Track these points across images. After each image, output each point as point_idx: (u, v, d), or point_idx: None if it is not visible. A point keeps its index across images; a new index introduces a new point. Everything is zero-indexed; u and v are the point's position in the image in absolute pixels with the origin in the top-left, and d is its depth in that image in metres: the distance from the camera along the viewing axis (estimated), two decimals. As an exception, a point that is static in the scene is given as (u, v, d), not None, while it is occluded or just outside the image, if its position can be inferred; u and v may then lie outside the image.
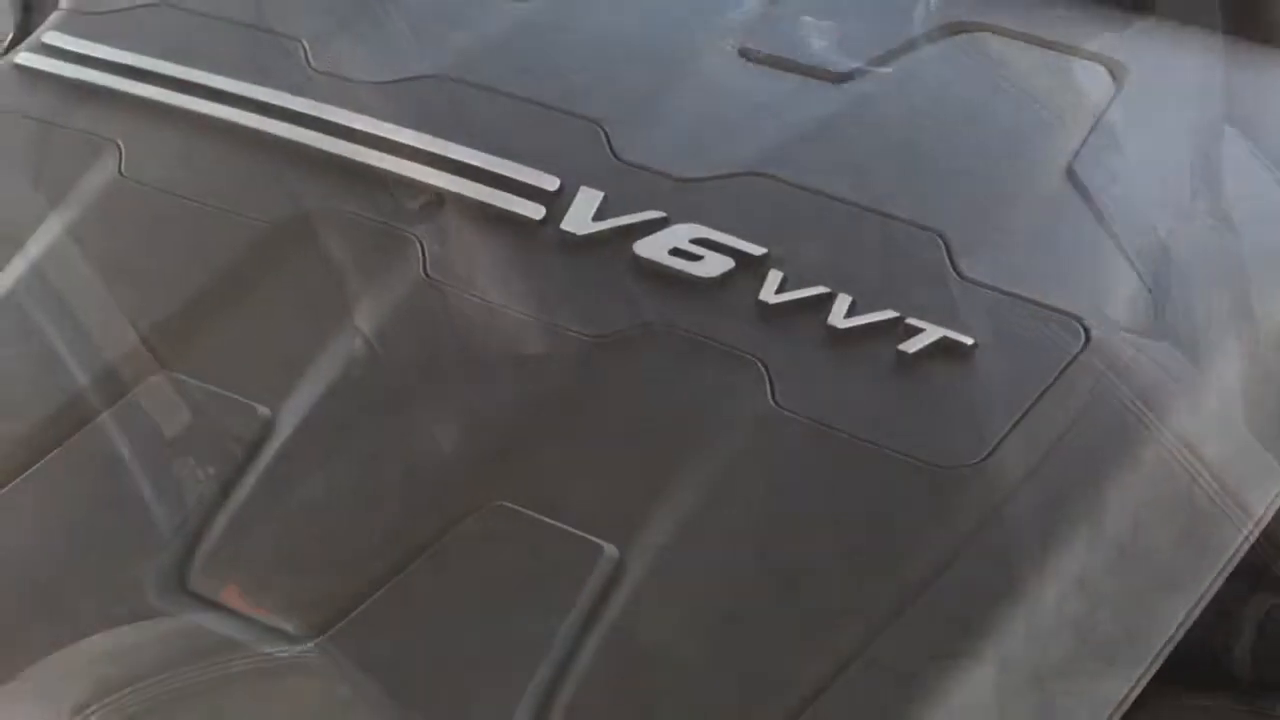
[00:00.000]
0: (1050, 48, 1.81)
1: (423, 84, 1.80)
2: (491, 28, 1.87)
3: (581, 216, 1.67)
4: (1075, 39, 1.82)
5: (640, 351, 1.59)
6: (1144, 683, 1.46)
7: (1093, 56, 1.79)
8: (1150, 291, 1.59)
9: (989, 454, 1.49)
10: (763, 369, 1.56)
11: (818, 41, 1.83)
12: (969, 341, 1.55)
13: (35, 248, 1.73)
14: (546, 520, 1.50)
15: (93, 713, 1.45)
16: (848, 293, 1.59)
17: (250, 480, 1.55)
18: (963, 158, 1.72)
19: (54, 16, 1.92)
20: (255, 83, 1.81)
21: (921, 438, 1.51)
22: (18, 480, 1.57)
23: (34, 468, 1.58)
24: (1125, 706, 1.45)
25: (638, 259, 1.64)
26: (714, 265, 1.63)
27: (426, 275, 1.65)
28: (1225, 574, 1.52)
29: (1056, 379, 1.53)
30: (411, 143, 1.74)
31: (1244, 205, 1.67)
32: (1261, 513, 1.54)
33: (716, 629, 1.45)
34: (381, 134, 1.75)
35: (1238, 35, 1.84)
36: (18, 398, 1.63)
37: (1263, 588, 1.67)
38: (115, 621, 1.49)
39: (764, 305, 1.60)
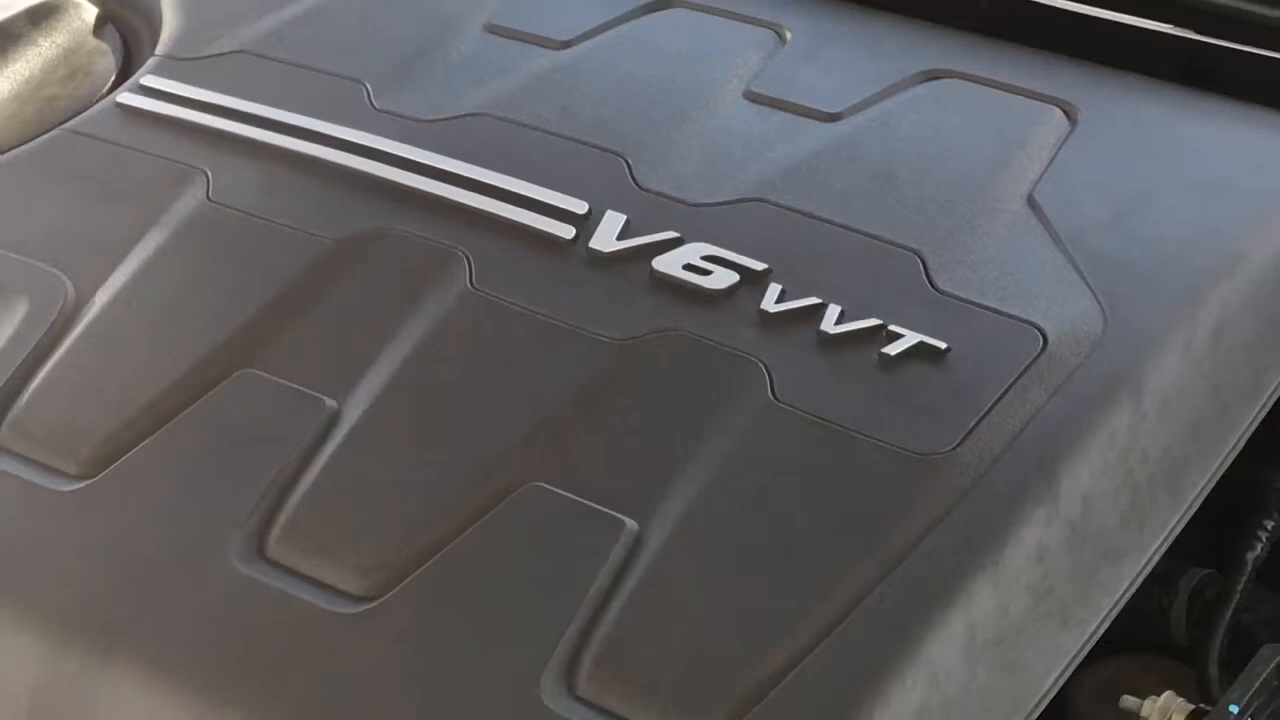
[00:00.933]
0: (1012, 91, 1.81)
1: (469, 121, 1.81)
2: (529, 72, 1.87)
3: (607, 236, 1.68)
4: (1034, 84, 1.82)
5: (657, 353, 1.60)
6: (1093, 641, 1.47)
7: (1049, 99, 1.79)
8: (1099, 303, 1.59)
9: (959, 443, 1.50)
10: (764, 369, 1.57)
11: (811, 86, 1.83)
12: (942, 346, 1.57)
13: (134, 261, 1.72)
14: (575, 498, 1.50)
15: (180, 668, 1.47)
16: (837, 303, 1.60)
17: (320, 463, 1.56)
18: (936, 187, 1.72)
19: (151, 62, 1.92)
20: (324, 119, 1.82)
21: (901, 429, 1.52)
22: (121, 460, 1.58)
23: (135, 448, 1.59)
24: (1077, 661, 1.46)
25: (655, 273, 1.65)
26: (721, 279, 1.64)
27: (472, 286, 1.66)
28: (1163, 549, 1.53)
29: (1018, 378, 1.54)
30: (459, 171, 1.75)
31: (1179, 227, 1.68)
32: (1194, 496, 1.55)
33: (724, 588, 1.45)
34: (433, 164, 1.76)
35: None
36: (122, 391, 1.63)
37: (1194, 561, 1.67)
38: (204, 585, 1.50)
39: (765, 313, 1.61)
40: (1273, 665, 1.46)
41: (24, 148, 1.86)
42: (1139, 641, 1.62)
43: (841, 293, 1.61)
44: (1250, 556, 1.66)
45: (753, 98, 1.83)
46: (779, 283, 1.63)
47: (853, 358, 1.57)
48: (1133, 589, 1.50)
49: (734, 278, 1.64)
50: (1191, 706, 1.45)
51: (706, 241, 1.67)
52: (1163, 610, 1.65)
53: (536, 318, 1.63)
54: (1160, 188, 1.71)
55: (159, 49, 1.94)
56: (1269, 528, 1.67)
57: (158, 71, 1.90)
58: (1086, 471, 1.49)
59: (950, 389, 1.54)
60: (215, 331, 1.66)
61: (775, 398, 1.55)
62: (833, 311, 1.60)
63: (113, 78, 1.94)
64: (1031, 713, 1.43)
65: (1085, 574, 1.48)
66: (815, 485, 1.50)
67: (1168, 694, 1.45)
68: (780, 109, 1.81)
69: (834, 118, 1.80)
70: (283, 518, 1.53)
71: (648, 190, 1.73)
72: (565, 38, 1.91)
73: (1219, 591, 1.65)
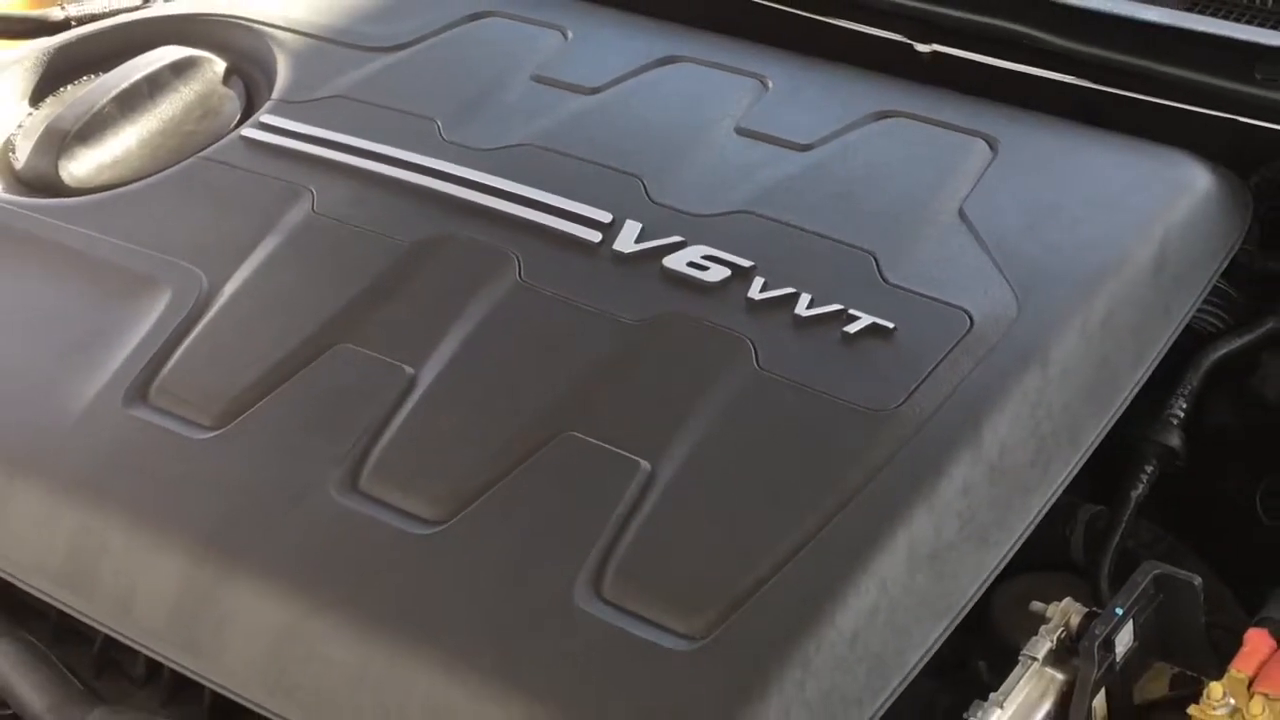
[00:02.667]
0: (946, 127, 1.81)
1: (518, 150, 1.81)
2: (566, 112, 1.87)
3: (627, 240, 1.68)
4: (964, 121, 1.81)
5: (665, 332, 1.60)
6: (1008, 558, 1.47)
7: (976, 133, 1.79)
8: (1014, 293, 1.59)
9: (903, 401, 1.50)
10: (750, 344, 1.57)
11: (788, 123, 1.83)
12: (890, 325, 1.57)
13: (255, 260, 1.73)
14: (601, 444, 1.50)
15: (290, 577, 1.48)
16: (808, 292, 1.60)
17: (400, 417, 1.56)
18: (886, 202, 1.72)
19: (267, 104, 1.92)
20: (403, 149, 1.82)
21: (857, 390, 1.52)
22: (245, 415, 1.58)
23: (256, 405, 1.59)
24: (995, 574, 1.46)
25: (665, 269, 1.65)
26: (716, 274, 1.64)
27: (521, 280, 1.66)
28: (1064, 487, 1.53)
29: (950, 351, 1.54)
30: (509, 189, 1.75)
31: (1077, 234, 1.68)
32: (1089, 445, 1.55)
33: (717, 514, 1.45)
34: (489, 184, 1.76)
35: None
36: (245, 361, 1.63)
37: (1089, 499, 1.67)
38: (310, 512, 1.50)
39: (751, 300, 1.61)
40: (1149, 578, 1.46)
41: (169, 171, 1.86)
42: (1045, 561, 1.61)
43: (811, 284, 1.61)
44: (1133, 495, 1.66)
45: (742, 132, 1.82)
46: (762, 276, 1.62)
47: (820, 335, 1.57)
48: (1040, 518, 1.50)
49: (726, 272, 1.64)
50: (1085, 609, 1.44)
51: (705, 244, 1.66)
52: (1064, 537, 1.66)
53: (571, 304, 1.63)
54: (1063, 203, 1.71)
55: (274, 95, 1.94)
56: (1148, 472, 1.67)
57: (273, 112, 1.90)
58: (1004, 423, 1.50)
59: (896, 359, 1.54)
60: (318, 314, 1.66)
61: (759, 366, 1.55)
62: (804, 299, 1.60)
63: (238, 117, 1.94)
64: (959, 614, 1.43)
65: (1002, 505, 1.48)
66: (790, 435, 1.50)
67: (1067, 600, 1.45)
68: (763, 141, 1.81)
69: (806, 148, 1.80)
70: (372, 459, 1.53)
71: (659, 204, 1.72)
72: (594, 85, 1.91)
73: (1108, 523, 1.65)
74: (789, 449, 1.49)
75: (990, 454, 1.48)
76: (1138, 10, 1.85)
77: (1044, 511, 1.51)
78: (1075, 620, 1.43)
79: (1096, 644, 1.40)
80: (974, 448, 1.47)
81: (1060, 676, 1.41)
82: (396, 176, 1.79)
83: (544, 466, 1.50)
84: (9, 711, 1.63)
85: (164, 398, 1.62)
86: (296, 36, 2.01)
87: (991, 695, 1.39)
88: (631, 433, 1.51)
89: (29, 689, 1.58)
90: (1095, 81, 1.84)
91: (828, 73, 1.92)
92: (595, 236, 1.69)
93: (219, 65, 1.98)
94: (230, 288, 1.70)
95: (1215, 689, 1.41)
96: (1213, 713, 1.40)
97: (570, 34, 1.98)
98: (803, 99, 1.86)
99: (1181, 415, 1.69)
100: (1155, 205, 1.70)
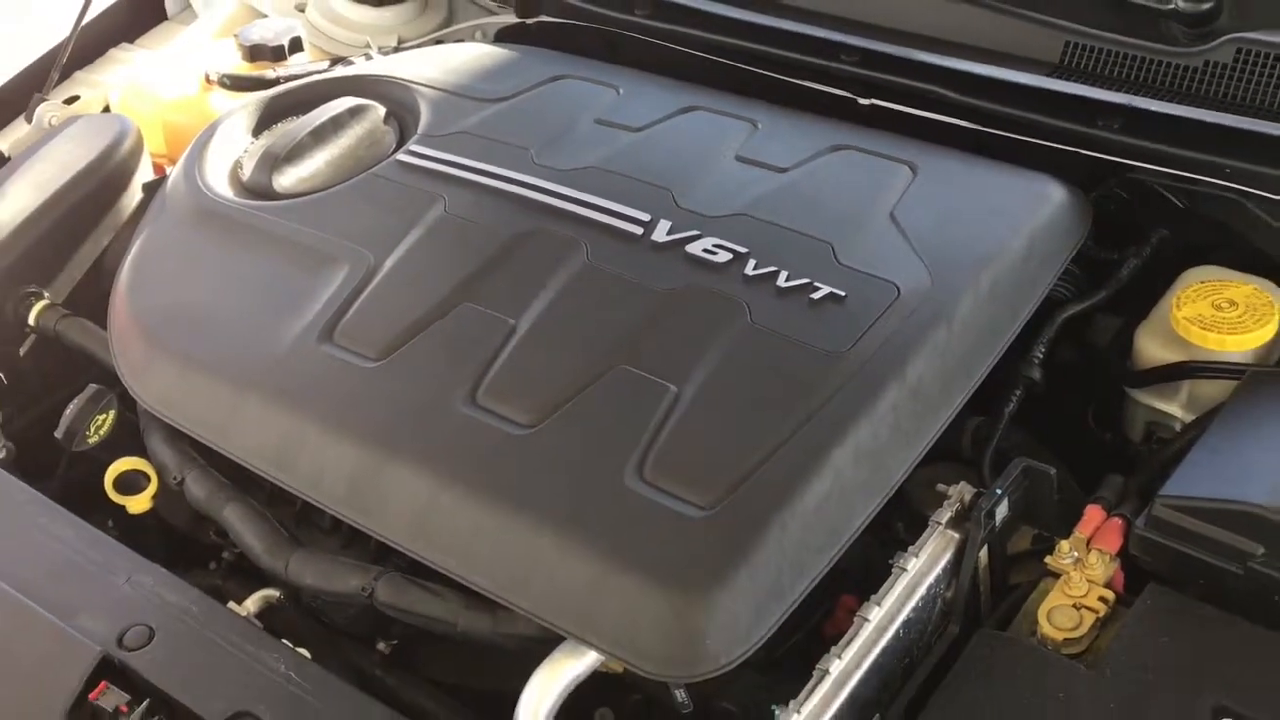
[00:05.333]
0: (882, 156, 1.77)
1: (587, 170, 1.78)
2: (619, 144, 1.84)
3: (660, 233, 1.66)
4: (894, 152, 1.78)
5: (687, 297, 1.58)
6: (922, 454, 1.46)
7: (903, 160, 1.76)
8: (929, 272, 1.57)
9: (852, 346, 1.49)
10: (746, 307, 1.55)
11: (772, 153, 1.80)
12: (843, 294, 1.54)
13: (406, 244, 1.71)
14: (642, 373, 1.49)
15: (427, 464, 1.46)
16: (786, 269, 1.58)
17: (505, 353, 1.54)
18: (841, 208, 1.69)
19: (414, 138, 1.90)
20: (508, 169, 1.79)
21: (820, 338, 1.50)
22: (399, 351, 1.57)
23: (406, 344, 1.57)
24: (914, 464, 1.45)
25: (687, 253, 1.63)
26: (723, 257, 1.61)
27: (588, 260, 1.64)
28: (961, 405, 1.52)
29: (884, 312, 1.52)
30: (581, 198, 1.72)
31: (972, 230, 1.65)
32: (979, 377, 1.54)
33: (724, 423, 1.44)
34: (567, 194, 1.73)
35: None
36: (399, 315, 1.61)
37: (977, 413, 1.64)
38: (442, 418, 1.49)
39: (746, 276, 1.58)
40: (1019, 468, 1.45)
41: (347, 183, 1.84)
42: (946, 456, 1.60)
43: (788, 265, 1.59)
44: (1007, 410, 1.64)
45: (740, 159, 1.80)
46: (754, 259, 1.60)
47: (794, 300, 1.55)
48: (944, 427, 1.49)
49: (729, 256, 1.61)
50: (975, 490, 1.44)
51: (715, 236, 1.64)
52: (959, 439, 1.63)
53: (622, 278, 1.61)
54: (963, 209, 1.68)
55: (419, 131, 1.92)
56: (1017, 395, 1.65)
57: (418, 143, 1.88)
58: (921, 362, 1.48)
59: (847, 317, 1.52)
60: (448, 282, 1.64)
61: (752, 321, 1.53)
62: (784, 274, 1.57)
63: (394, 146, 1.92)
64: (888, 493, 1.43)
65: (919, 418, 1.47)
66: (774, 368, 1.49)
67: (963, 483, 1.44)
68: (755, 165, 1.78)
69: (784, 170, 1.77)
70: (485, 383, 1.52)
71: (683, 209, 1.70)
72: (638, 125, 1.88)
73: (989, 430, 1.63)
74: (773, 378, 1.47)
75: (911, 383, 1.46)
76: (1016, 76, 1.82)
77: (947, 423, 1.50)
78: (968, 497, 1.43)
79: (982, 514, 1.41)
80: (900, 379, 1.46)
81: (957, 536, 1.41)
82: (503, 188, 1.76)
83: (604, 389, 1.49)
84: (238, 550, 1.64)
85: (344, 338, 1.60)
86: (434, 90, 1.98)
87: (910, 548, 1.40)
88: (664, 366, 1.49)
89: (251, 537, 1.59)
90: (986, 126, 1.82)
91: (799, 118, 1.89)
92: (639, 231, 1.67)
93: (380, 110, 1.96)
94: (388, 264, 1.68)
95: (1064, 545, 1.41)
96: (1062, 561, 1.40)
97: (621, 90, 1.95)
98: (782, 136, 1.83)
99: (1041, 356, 1.67)
100: (1026, 211, 1.67)
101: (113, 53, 2.37)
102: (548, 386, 1.50)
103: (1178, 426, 1.64)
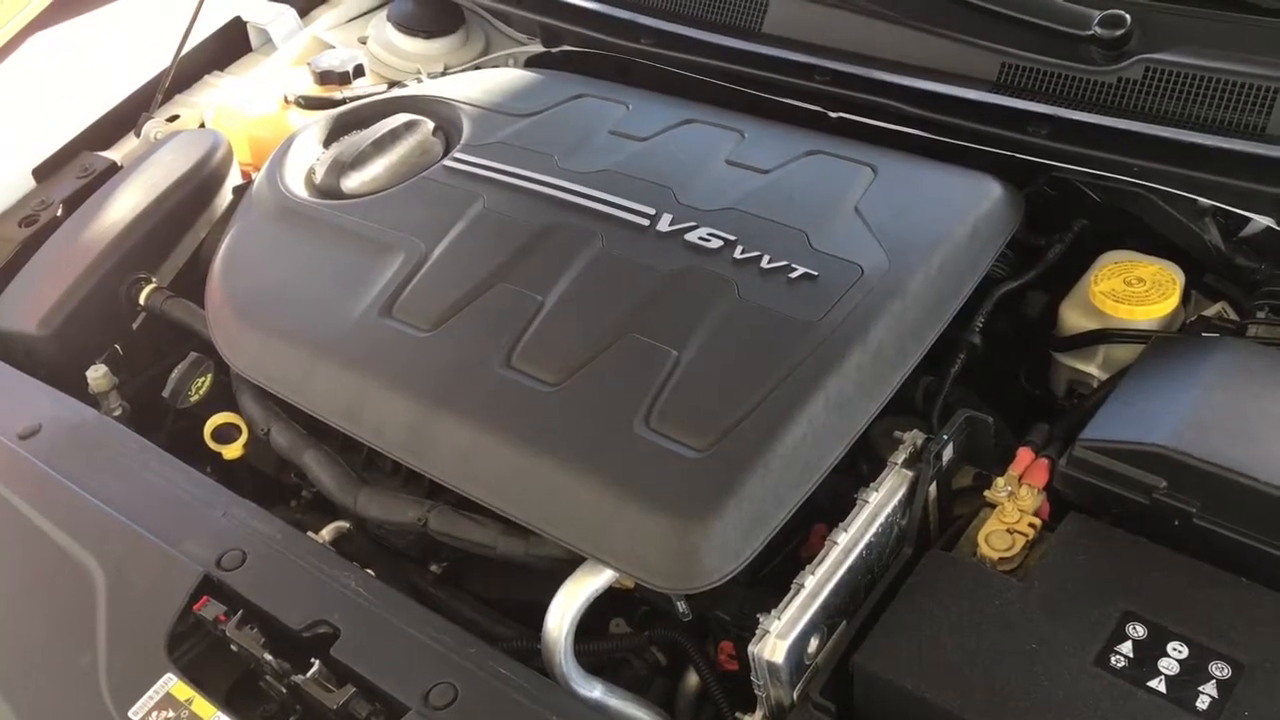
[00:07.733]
0: (848, 160, 1.76)
1: (602, 173, 1.77)
2: (630, 151, 1.83)
3: (664, 224, 1.65)
4: (858, 156, 1.75)
5: (686, 277, 1.57)
6: (882, 405, 1.46)
7: (865, 163, 1.74)
8: (886, 255, 1.56)
9: (823, 316, 1.48)
10: (735, 284, 1.54)
11: (756, 157, 1.79)
12: (816, 274, 1.53)
13: (452, 235, 1.70)
14: (648, 340, 1.48)
15: (469, 416, 1.46)
16: (769, 253, 1.57)
17: (535, 324, 1.54)
18: (813, 203, 1.68)
19: (458, 146, 1.89)
20: (535, 172, 1.78)
21: (797, 309, 1.49)
22: (446, 323, 1.56)
23: (452, 318, 1.58)
24: (875, 414, 1.45)
25: (685, 241, 1.62)
26: (715, 244, 1.60)
27: (604, 247, 1.63)
28: (914, 365, 1.51)
29: (849, 289, 1.51)
30: (598, 195, 1.71)
31: (923, 219, 1.63)
32: (930, 341, 1.53)
33: (714, 381, 1.43)
34: (587, 192, 1.72)
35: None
36: (447, 295, 1.61)
37: (927, 372, 1.63)
38: (481, 379, 1.49)
39: (735, 259, 1.57)
40: (963, 418, 1.45)
41: (401, 186, 1.84)
42: (901, 408, 1.59)
43: (771, 249, 1.58)
44: (952, 371, 1.63)
45: (729, 162, 1.78)
46: (742, 245, 1.59)
47: (775, 279, 1.54)
48: (900, 384, 1.49)
49: (721, 243, 1.60)
50: (925, 436, 1.44)
51: (709, 227, 1.63)
52: (912, 394, 1.63)
53: (632, 261, 1.60)
54: (914, 201, 1.67)
55: (462, 141, 1.91)
56: (961, 358, 1.64)
57: (462, 151, 1.87)
58: (881, 330, 1.47)
59: (819, 292, 1.51)
60: (487, 266, 1.63)
61: (740, 297, 1.53)
62: (766, 258, 1.56)
63: (441, 154, 1.91)
64: (853, 438, 1.42)
65: (879, 377, 1.47)
66: (758, 335, 1.48)
67: (915, 430, 1.44)
68: (742, 168, 1.76)
69: (766, 172, 1.75)
70: (518, 349, 1.51)
71: (682, 204, 1.69)
72: (645, 135, 1.86)
73: (938, 387, 1.62)
74: (757, 343, 1.47)
75: (873, 347, 1.46)
76: (960, 91, 1.79)
77: (902, 380, 1.49)
78: (919, 442, 1.43)
79: (932, 455, 1.41)
80: (863, 343, 1.45)
81: (910, 474, 1.41)
82: (532, 188, 1.75)
83: (617, 353, 1.48)
84: (315, 489, 1.65)
85: (401, 312, 1.60)
86: (474, 108, 1.97)
87: (871, 485, 1.40)
88: (666, 334, 1.49)
89: (326, 477, 1.60)
90: (935, 134, 1.80)
91: (779, 128, 1.87)
92: (645, 222, 1.66)
93: (430, 125, 1.96)
94: (437, 251, 1.68)
95: (999, 481, 1.42)
96: (998, 494, 1.40)
97: (631, 106, 1.94)
98: (764, 144, 1.82)
99: (981, 325, 1.65)
100: (969, 204, 1.66)
101: (206, 79, 2.39)
102: (570, 351, 1.49)
103: (1094, 384, 1.64)
